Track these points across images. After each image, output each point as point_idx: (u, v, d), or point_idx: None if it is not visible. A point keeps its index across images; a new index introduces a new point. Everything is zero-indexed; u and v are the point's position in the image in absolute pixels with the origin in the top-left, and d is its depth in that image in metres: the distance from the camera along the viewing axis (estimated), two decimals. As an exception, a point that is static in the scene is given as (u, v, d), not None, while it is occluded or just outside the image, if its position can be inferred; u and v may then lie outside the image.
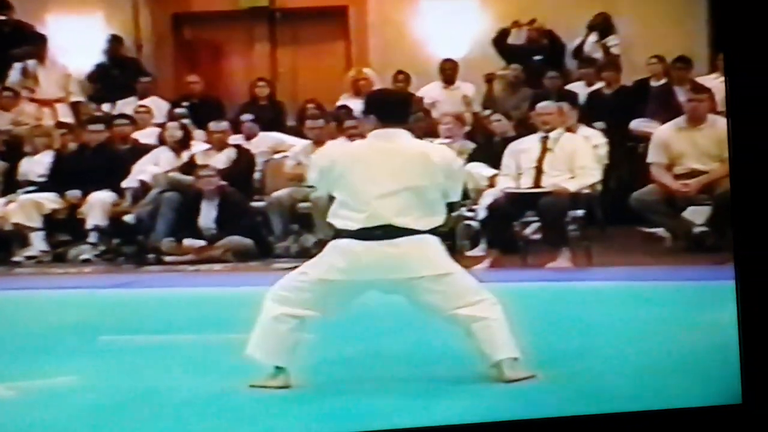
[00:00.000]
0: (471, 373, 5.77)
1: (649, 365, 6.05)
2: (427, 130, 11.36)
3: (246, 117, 11.94)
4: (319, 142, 11.32)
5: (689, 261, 9.33)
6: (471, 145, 10.94)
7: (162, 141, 11.60)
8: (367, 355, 6.33)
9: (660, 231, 10.07)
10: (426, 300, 5.70)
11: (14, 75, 12.71)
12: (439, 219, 5.74)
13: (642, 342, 6.48)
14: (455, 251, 10.51)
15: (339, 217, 5.66)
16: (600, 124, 10.92)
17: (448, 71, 12.19)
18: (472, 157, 10.74)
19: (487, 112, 11.58)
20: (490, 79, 11.99)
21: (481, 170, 10.56)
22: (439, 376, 5.84)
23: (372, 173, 5.63)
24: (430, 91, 12.10)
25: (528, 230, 10.09)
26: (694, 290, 7.92)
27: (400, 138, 5.73)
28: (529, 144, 10.13)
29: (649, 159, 10.12)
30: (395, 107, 5.89)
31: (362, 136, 6.03)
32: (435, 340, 6.32)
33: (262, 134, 11.82)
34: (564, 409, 5.44)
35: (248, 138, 11.77)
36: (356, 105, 11.99)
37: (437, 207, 5.74)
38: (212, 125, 11.51)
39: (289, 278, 5.74)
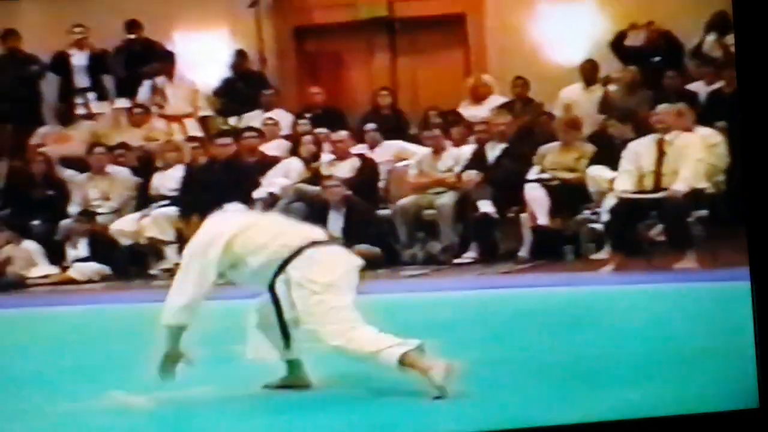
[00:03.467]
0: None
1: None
2: (547, 132, 11.53)
3: (369, 126, 12.17)
4: (438, 150, 11.56)
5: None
6: (591, 148, 11.01)
7: (293, 153, 11.87)
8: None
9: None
10: None
11: (144, 92, 13.11)
12: None
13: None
14: (579, 254, 10.66)
15: None
16: (722, 124, 10.89)
17: (588, 71, 12.08)
18: (593, 160, 10.85)
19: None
20: (607, 82, 11.99)
21: (602, 173, 10.65)
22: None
23: None
24: (569, 93, 12.03)
25: (653, 232, 10.15)
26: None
27: None
28: (647, 146, 10.19)
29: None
30: None
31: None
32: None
33: (385, 143, 12.04)
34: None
35: (371, 147, 12.01)
36: (476, 112, 12.21)
37: None
38: (334, 135, 11.77)
39: None
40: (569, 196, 10.79)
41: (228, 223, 6.04)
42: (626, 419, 5.51)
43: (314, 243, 5.91)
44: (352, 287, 5.87)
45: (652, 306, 8.14)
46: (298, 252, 5.83)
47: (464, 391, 5.82)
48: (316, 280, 5.76)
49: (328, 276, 5.77)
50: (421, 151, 11.77)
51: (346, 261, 5.95)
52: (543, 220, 10.81)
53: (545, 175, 10.95)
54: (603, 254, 10.29)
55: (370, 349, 5.72)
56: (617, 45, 12.07)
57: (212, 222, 6.06)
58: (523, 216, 10.93)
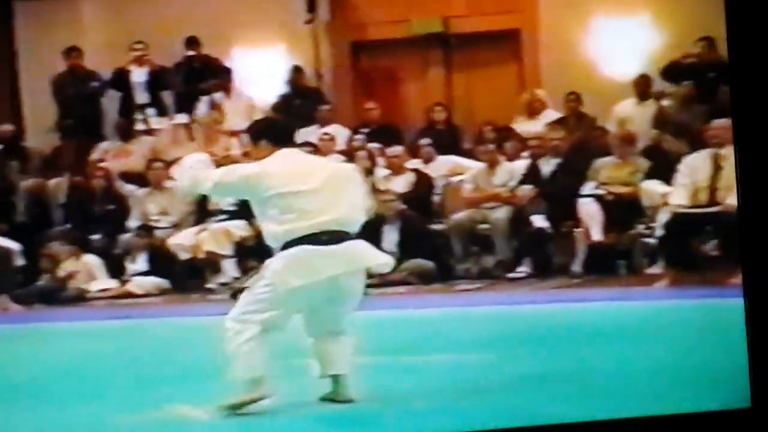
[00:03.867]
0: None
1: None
2: (601, 146, 11.55)
3: (424, 141, 12.26)
4: (492, 165, 11.63)
5: None
6: (645, 163, 11.03)
7: (349, 168, 11.95)
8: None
9: None
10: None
11: (202, 108, 13.29)
12: None
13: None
14: (633, 269, 10.68)
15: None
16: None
17: (642, 86, 12.04)
18: (647, 175, 10.86)
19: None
20: (660, 96, 11.97)
21: (657, 187, 10.66)
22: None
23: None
24: (622, 108, 12.01)
25: (707, 246, 10.15)
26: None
27: None
28: (702, 160, 10.20)
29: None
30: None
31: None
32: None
33: (440, 158, 12.13)
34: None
35: (426, 162, 12.10)
36: (530, 127, 12.25)
37: None
38: (389, 150, 11.88)
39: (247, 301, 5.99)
40: (623, 211, 10.81)
41: None
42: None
43: None
44: None
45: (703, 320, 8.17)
46: None
47: (517, 404, 5.88)
48: None
49: None
50: (474, 166, 11.84)
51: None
52: (597, 234, 10.84)
53: (599, 191, 10.97)
54: (657, 269, 10.29)
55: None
56: (669, 72, 11.96)
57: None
58: (577, 231, 10.98)
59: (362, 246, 6.04)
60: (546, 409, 5.88)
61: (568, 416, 5.76)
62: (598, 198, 10.95)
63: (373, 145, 12.30)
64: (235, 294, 6.00)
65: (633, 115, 11.93)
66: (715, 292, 9.16)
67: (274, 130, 6.27)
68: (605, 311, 9.10)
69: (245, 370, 5.90)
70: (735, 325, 7.53)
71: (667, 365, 6.61)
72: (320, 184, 5.97)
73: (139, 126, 13.36)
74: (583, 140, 11.80)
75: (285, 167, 6.01)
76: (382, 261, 6.11)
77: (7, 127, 13.42)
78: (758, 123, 5.79)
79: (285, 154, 6.10)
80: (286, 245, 5.91)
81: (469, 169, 11.90)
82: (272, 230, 5.96)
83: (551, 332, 8.22)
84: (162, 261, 11.68)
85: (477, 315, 9.36)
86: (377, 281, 10.87)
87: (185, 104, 13.40)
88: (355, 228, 6.04)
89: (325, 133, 12.69)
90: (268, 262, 5.97)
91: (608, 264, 10.84)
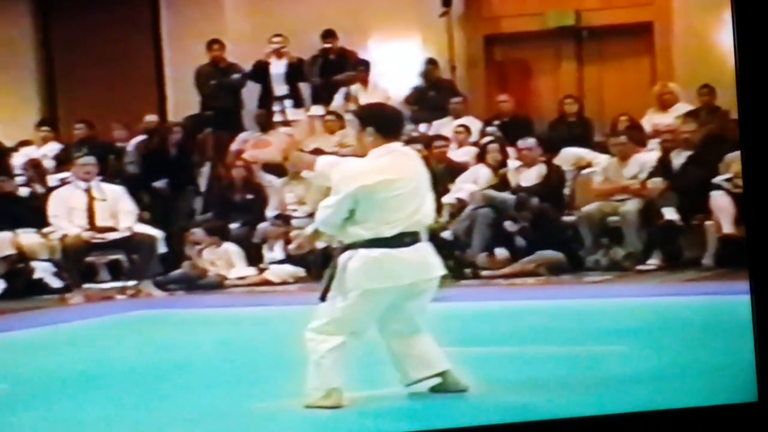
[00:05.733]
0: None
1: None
2: (733, 140, 11.49)
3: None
4: (624, 157, 11.67)
5: None
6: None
7: (480, 159, 12.15)
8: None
9: None
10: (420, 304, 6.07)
11: (338, 99, 13.56)
12: None
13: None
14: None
15: None
16: None
17: None
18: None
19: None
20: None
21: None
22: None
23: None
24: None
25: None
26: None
27: None
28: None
29: None
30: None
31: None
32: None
33: (563, 150, 12.21)
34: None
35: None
36: (662, 119, 12.26)
37: None
38: (520, 143, 12.01)
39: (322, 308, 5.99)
40: (755, 204, 10.75)
41: None
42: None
43: None
44: None
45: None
46: None
47: (650, 397, 5.94)
48: None
49: None
50: (596, 158, 11.93)
51: None
52: (728, 228, 10.82)
53: (730, 184, 10.95)
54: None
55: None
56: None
57: None
58: (708, 224, 10.98)
59: (431, 250, 6.09)
60: (674, 400, 5.87)
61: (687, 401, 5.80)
62: (730, 191, 10.91)
63: (487, 139, 12.43)
64: (324, 296, 5.96)
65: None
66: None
67: (382, 118, 6.12)
68: (736, 305, 9.05)
69: (323, 380, 5.93)
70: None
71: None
72: (412, 186, 5.97)
73: (277, 117, 13.69)
74: (715, 133, 11.76)
75: (385, 171, 5.94)
76: (442, 271, 6.13)
77: (152, 118, 13.91)
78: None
79: (389, 151, 6.00)
80: (368, 244, 5.87)
81: (591, 160, 11.98)
82: (357, 231, 5.89)
83: (680, 325, 8.23)
84: (298, 250, 11.92)
85: (605, 307, 9.36)
86: (509, 272, 11.12)
87: (321, 96, 13.70)
88: (426, 229, 6.09)
89: (460, 125, 12.86)
90: (345, 261, 5.90)
91: (740, 257, 10.77)
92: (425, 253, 6.03)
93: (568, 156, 12.18)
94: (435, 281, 6.06)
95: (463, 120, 13.03)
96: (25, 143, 13.83)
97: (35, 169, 13.08)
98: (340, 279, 5.92)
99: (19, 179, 12.82)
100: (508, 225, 11.46)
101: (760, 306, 5.80)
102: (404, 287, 5.95)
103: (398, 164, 5.99)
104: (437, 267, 6.07)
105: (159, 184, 13.18)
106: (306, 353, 5.96)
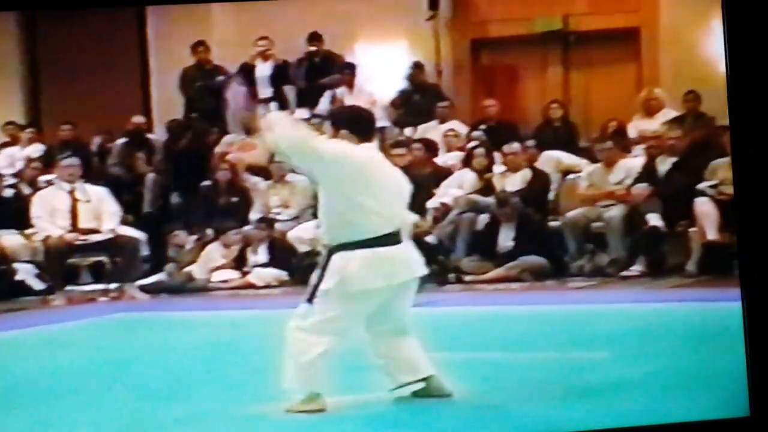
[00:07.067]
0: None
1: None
2: (719, 146, 11.47)
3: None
4: (609, 163, 11.66)
5: None
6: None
7: (466, 164, 12.11)
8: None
9: None
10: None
11: (324, 102, 13.50)
12: None
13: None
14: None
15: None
16: None
17: None
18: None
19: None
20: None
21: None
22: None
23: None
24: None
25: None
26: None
27: None
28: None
29: None
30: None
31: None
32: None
33: (544, 154, 12.19)
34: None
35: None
36: (647, 125, 12.26)
37: None
38: (505, 147, 11.97)
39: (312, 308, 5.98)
40: (739, 211, 10.76)
41: None
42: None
43: None
44: None
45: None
46: None
47: (636, 410, 5.93)
48: None
49: None
50: (578, 163, 11.93)
51: None
52: (712, 234, 10.82)
53: (715, 191, 10.95)
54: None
55: None
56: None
57: None
58: (692, 230, 10.97)
59: (414, 247, 6.12)
60: (657, 406, 5.92)
61: (678, 411, 5.80)
62: (714, 198, 10.91)
63: (473, 143, 12.38)
64: (311, 298, 5.97)
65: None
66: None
67: (356, 120, 6.12)
68: (719, 311, 9.05)
69: (308, 383, 5.95)
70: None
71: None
72: (399, 185, 6.05)
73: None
74: (701, 140, 11.76)
75: (375, 160, 6.03)
76: (425, 269, 6.17)
77: (139, 119, 13.85)
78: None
79: (368, 149, 6.06)
80: (359, 243, 5.88)
81: (570, 165, 11.97)
82: (355, 220, 5.88)
83: (663, 331, 8.22)
84: (282, 253, 11.92)
85: (589, 312, 9.38)
86: (492, 277, 11.10)
87: (307, 99, 13.64)
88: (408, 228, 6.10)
89: (450, 129, 12.83)
90: (335, 262, 5.91)
91: (723, 264, 10.79)
92: (411, 251, 6.06)
93: (548, 159, 12.15)
94: (417, 280, 6.08)
95: (448, 124, 12.99)
96: (6, 144, 13.74)
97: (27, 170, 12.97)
98: (331, 280, 5.91)
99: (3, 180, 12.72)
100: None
101: (752, 314, 5.77)
102: (395, 286, 5.96)
103: (378, 158, 6.07)
104: (422, 265, 6.11)
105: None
106: (288, 350, 5.93)
